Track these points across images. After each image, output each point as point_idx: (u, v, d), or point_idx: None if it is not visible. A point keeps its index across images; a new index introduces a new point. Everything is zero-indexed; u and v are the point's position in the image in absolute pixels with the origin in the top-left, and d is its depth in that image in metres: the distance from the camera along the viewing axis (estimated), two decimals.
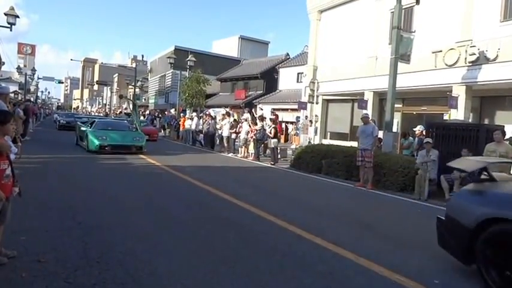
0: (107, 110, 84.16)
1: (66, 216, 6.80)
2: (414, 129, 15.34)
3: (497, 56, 15.24)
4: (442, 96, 16.82)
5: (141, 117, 37.65)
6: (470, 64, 15.97)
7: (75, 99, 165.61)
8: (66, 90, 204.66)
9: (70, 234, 5.89)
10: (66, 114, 45.25)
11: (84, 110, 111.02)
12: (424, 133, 14.22)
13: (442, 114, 17.42)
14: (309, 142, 21.58)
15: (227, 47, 64.58)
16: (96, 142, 17.10)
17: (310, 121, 23.42)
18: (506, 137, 11.93)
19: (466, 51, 16.24)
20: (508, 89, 15.52)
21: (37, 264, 4.67)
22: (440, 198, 11.08)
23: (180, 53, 45.02)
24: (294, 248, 5.91)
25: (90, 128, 18.63)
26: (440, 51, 17.23)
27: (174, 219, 7.33)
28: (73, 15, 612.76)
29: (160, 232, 6.44)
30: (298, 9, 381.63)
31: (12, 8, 20.76)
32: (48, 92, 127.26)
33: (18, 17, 20.88)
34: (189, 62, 35.16)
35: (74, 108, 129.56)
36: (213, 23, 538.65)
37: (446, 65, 16.89)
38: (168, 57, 39.40)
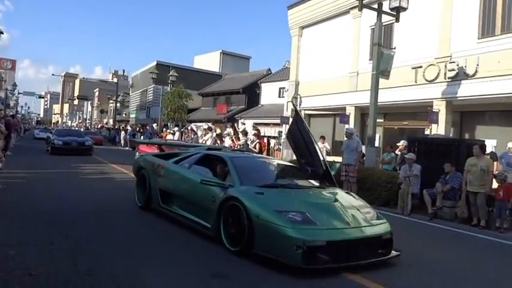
0: (87, 125, 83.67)
1: (54, 231, 6.82)
2: (398, 144, 15.50)
3: (476, 71, 15.53)
4: (423, 111, 17.03)
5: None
6: (450, 80, 16.23)
7: (55, 114, 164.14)
8: (46, 105, 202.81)
9: (59, 248, 5.91)
10: (63, 131, 31.86)
11: (64, 125, 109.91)
12: (406, 148, 14.39)
13: (423, 129, 17.62)
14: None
15: (209, 62, 64.58)
16: (296, 235, 5.68)
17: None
18: (487, 151, 12.18)
19: (445, 66, 16.52)
20: (487, 104, 15.79)
21: (29, 278, 4.70)
22: (423, 212, 11.23)
23: (161, 68, 45.03)
24: None
25: (227, 181, 7.53)
26: (421, 67, 17.51)
27: (163, 233, 7.43)
28: (54, 31, 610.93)
29: (150, 245, 6.53)
30: (279, 25, 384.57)
31: None
32: (28, 107, 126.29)
33: (2, 33, 20.70)
34: (170, 77, 35.11)
35: (53, 123, 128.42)
36: (194, 37, 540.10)
37: (427, 80, 17.16)
38: (150, 72, 39.38)
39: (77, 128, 63.55)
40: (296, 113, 8.54)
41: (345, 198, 7.18)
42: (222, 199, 6.77)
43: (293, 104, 7.27)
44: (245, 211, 6.18)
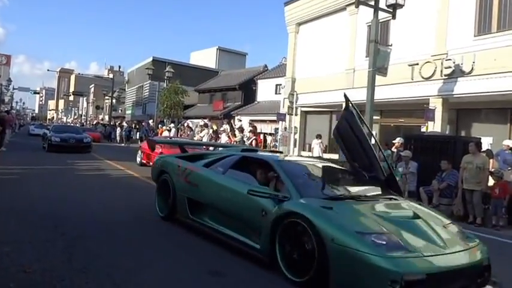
0: (82, 121, 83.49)
1: (49, 228, 6.80)
2: (393, 141, 15.50)
3: (472, 69, 15.51)
4: (419, 109, 17.04)
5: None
6: (446, 77, 16.22)
7: (50, 110, 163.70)
8: (41, 100, 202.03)
9: (54, 245, 5.90)
10: (61, 128, 29.55)
11: (59, 121, 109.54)
12: (402, 145, 14.40)
13: (420, 126, 17.62)
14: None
15: (205, 58, 64.46)
16: (390, 266, 4.46)
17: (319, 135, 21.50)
18: (483, 148, 12.21)
19: (441, 64, 16.49)
20: (483, 102, 15.82)
21: (24, 275, 4.70)
22: None
23: (158, 64, 44.86)
24: None
25: None
26: (417, 64, 17.48)
27: (157, 229, 7.40)
28: (49, 26, 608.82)
29: (144, 242, 6.51)
30: (275, 21, 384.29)
31: None
32: (23, 103, 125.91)
33: None
34: (167, 73, 35.06)
35: (49, 119, 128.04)
36: (191, 33, 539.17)
37: (423, 77, 17.12)
38: (146, 68, 39.27)
39: (72, 124, 63.22)
40: (346, 107, 6.89)
41: (425, 213, 5.85)
42: (277, 215, 5.47)
43: (345, 97, 6.86)
44: (314, 232, 4.89)
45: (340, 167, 7.88)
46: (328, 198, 5.60)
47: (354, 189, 6.45)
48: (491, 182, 10.78)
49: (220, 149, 11.63)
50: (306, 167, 7.13)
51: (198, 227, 7.08)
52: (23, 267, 4.90)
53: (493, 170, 11.17)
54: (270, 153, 8.76)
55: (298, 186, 5.90)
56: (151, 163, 16.60)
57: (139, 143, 35.03)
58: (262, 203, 5.78)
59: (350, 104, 6.78)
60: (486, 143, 14.29)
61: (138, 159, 19.10)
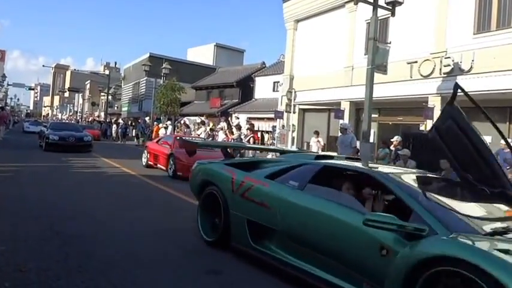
0: (78, 118, 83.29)
1: (44, 226, 6.72)
2: (392, 139, 15.45)
3: (471, 67, 15.50)
4: (418, 107, 16.98)
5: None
6: (445, 75, 16.20)
7: (45, 107, 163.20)
8: (36, 97, 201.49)
9: (49, 244, 5.83)
10: (59, 125, 27.82)
11: (54, 118, 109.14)
12: (401, 143, 14.34)
13: (418, 124, 17.58)
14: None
15: (202, 54, 64.35)
16: None
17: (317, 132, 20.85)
18: None
19: (440, 62, 16.49)
20: (482, 101, 15.56)
21: (19, 274, 4.64)
22: None
23: (154, 61, 44.64)
24: None
25: None
26: (416, 62, 17.45)
27: (153, 227, 7.30)
28: (45, 21, 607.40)
29: (140, 240, 6.43)
30: (273, 18, 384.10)
31: None
32: (18, 99, 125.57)
33: None
34: (163, 69, 34.90)
35: (44, 116, 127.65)
36: (188, 29, 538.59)
37: (422, 75, 17.10)
38: (143, 65, 39.10)
39: (67, 121, 62.94)
40: (450, 101, 4.66)
41: None
42: (417, 258, 3.53)
43: (456, 86, 4.38)
44: None
45: (442, 178, 5.98)
46: (489, 234, 3.88)
47: (484, 213, 4.58)
48: None
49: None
50: (414, 181, 4.76)
51: (264, 259, 5.41)
52: (18, 266, 4.84)
53: None
54: (349, 161, 6.55)
55: (439, 215, 3.99)
56: (158, 165, 16.02)
57: (135, 140, 34.92)
58: (380, 238, 4.03)
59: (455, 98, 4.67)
60: None
61: (144, 160, 17.78)
